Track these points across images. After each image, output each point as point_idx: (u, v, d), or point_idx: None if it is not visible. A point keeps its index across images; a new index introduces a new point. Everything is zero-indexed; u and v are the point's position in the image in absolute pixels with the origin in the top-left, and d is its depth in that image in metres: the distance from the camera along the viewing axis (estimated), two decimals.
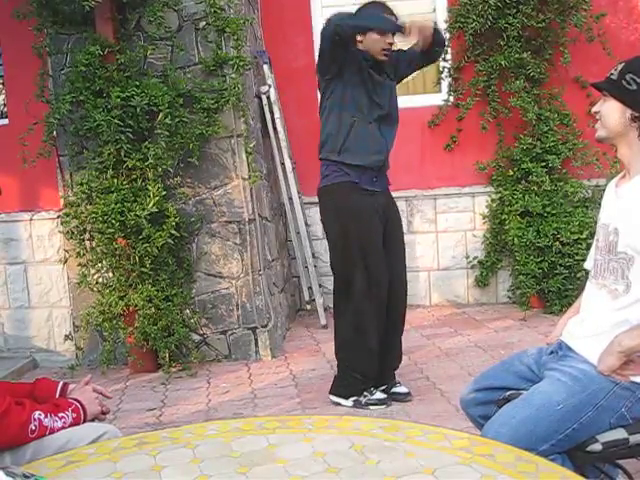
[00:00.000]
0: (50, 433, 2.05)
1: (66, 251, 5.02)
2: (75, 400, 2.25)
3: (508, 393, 2.32)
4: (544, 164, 5.53)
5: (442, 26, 5.83)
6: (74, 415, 2.17)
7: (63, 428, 2.10)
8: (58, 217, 5.05)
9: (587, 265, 2.42)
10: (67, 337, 5.15)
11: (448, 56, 5.80)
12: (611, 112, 2.15)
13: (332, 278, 6.07)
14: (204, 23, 4.87)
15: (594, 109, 2.22)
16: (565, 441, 2.05)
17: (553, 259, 5.35)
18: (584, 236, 5.24)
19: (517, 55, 5.47)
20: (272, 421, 1.82)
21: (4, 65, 5.65)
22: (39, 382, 2.42)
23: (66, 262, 5.05)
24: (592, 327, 2.19)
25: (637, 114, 2.10)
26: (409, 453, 1.56)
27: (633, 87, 2.10)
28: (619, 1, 5.81)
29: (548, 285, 5.39)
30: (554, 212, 5.43)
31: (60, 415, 2.12)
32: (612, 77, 2.16)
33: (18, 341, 5.50)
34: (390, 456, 1.55)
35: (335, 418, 1.81)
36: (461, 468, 1.47)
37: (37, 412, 2.04)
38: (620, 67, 2.16)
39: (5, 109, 5.73)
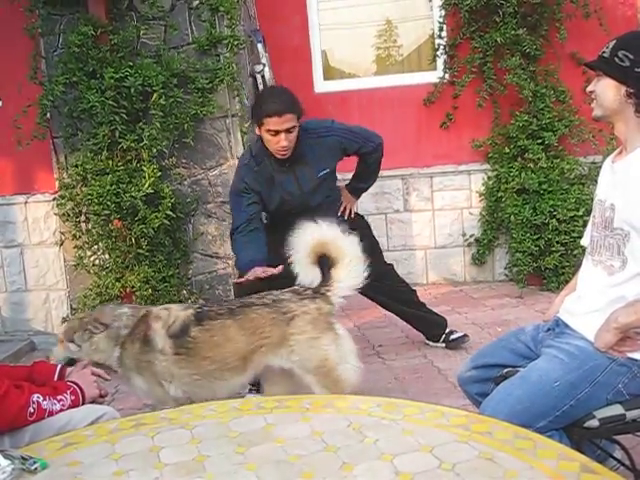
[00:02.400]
0: (49, 416, 2.07)
1: (62, 233, 5.01)
2: (73, 383, 2.26)
3: (505, 370, 2.33)
4: (540, 141, 5.51)
5: (437, 3, 5.80)
6: (72, 398, 2.18)
7: (62, 411, 2.11)
8: (54, 199, 5.03)
9: (583, 242, 2.42)
10: (64, 319, 5.15)
11: (443, 33, 5.75)
12: (606, 90, 2.13)
13: None
14: (197, 2, 4.83)
15: (589, 88, 2.21)
16: (562, 417, 2.06)
17: (550, 236, 5.35)
18: (580, 213, 5.23)
19: (513, 32, 5.42)
20: (270, 401, 1.82)
21: None
22: (37, 365, 2.43)
23: (62, 244, 5.04)
24: (588, 304, 2.19)
25: (632, 90, 2.08)
26: (407, 431, 1.56)
27: (626, 63, 2.08)
28: None
29: (545, 262, 5.39)
30: (550, 189, 5.42)
31: (59, 398, 2.13)
32: (604, 55, 2.14)
33: (16, 324, 5.50)
34: (388, 434, 1.55)
35: (333, 397, 1.82)
36: (459, 446, 1.48)
37: (36, 395, 2.05)
38: (612, 44, 2.14)
39: None
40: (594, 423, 2.07)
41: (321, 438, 1.56)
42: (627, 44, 2.11)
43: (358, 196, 4.23)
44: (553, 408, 2.05)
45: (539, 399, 2.05)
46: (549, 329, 2.32)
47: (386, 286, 4.18)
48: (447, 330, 4.37)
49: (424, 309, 4.38)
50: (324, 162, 3.67)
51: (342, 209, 4.03)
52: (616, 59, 2.09)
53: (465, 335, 4.36)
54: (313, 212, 3.35)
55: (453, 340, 4.33)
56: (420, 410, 1.68)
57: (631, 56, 2.07)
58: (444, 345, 4.35)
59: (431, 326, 4.39)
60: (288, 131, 3.39)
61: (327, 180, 3.77)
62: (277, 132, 3.40)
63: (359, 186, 4.18)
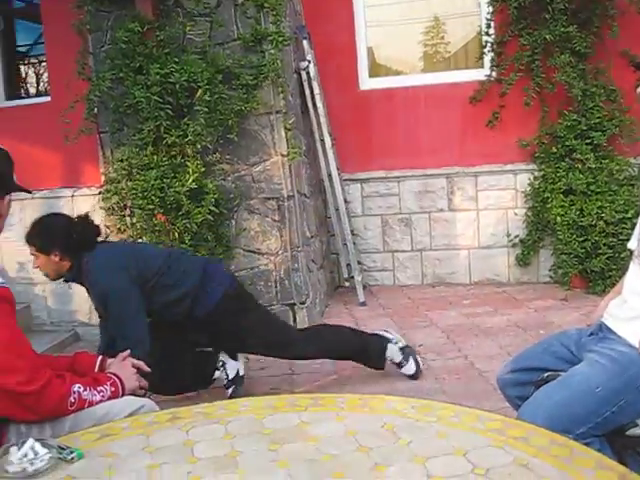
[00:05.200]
0: (89, 406, 2.09)
1: (107, 227, 5.07)
2: (114, 375, 2.28)
3: (546, 374, 2.29)
4: (589, 141, 5.40)
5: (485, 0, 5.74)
6: (112, 389, 2.20)
7: (101, 402, 2.13)
8: (99, 193, 5.10)
9: (631, 245, 2.37)
10: None
11: (491, 30, 5.69)
12: None
13: (371, 255, 6.13)
14: None
15: None
16: (603, 424, 2.02)
17: (596, 238, 5.25)
18: (629, 215, 5.12)
19: (563, 29, 5.32)
20: (305, 399, 1.81)
21: (46, 43, 5.71)
22: (78, 356, 2.46)
23: (107, 238, 5.11)
24: (634, 309, 2.14)
25: None
26: (441, 434, 1.54)
27: None
28: None
29: (591, 265, 5.29)
30: (598, 190, 5.32)
31: (99, 389, 2.15)
32: None
33: (61, 315, 5.59)
34: (422, 436, 1.53)
35: (368, 397, 1.80)
36: (493, 450, 1.45)
37: (77, 385, 2.07)
38: None
39: (47, 87, 5.79)
40: (637, 431, 2.03)
41: (354, 438, 1.55)
42: None
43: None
44: (594, 414, 2.01)
45: (579, 405, 2.00)
46: (592, 333, 2.28)
47: None
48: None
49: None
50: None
51: None
52: None
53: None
54: None
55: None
56: (455, 413, 1.65)
57: None
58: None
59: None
60: (36, 257, 3.39)
61: None
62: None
63: None
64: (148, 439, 1.65)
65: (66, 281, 3.56)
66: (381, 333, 3.97)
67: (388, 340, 3.91)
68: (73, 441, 1.67)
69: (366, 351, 3.88)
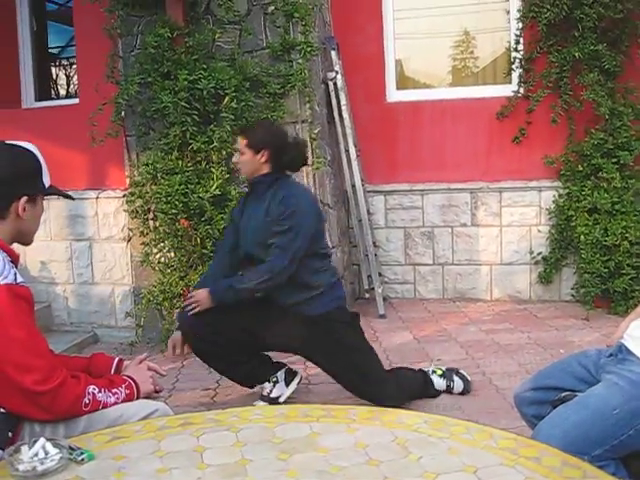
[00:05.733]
0: (103, 407, 2.09)
1: (130, 230, 5.11)
2: (129, 377, 2.28)
3: (564, 394, 2.27)
4: (615, 160, 5.35)
5: (515, 15, 5.72)
6: (127, 392, 2.20)
7: (116, 404, 2.13)
8: (124, 196, 5.14)
9: None
10: (128, 314, 5.25)
11: (520, 46, 5.67)
12: None
13: (392, 268, 6.11)
14: (273, 8, 4.87)
15: None
16: (620, 447, 1.99)
17: (620, 258, 5.20)
18: None
19: (592, 47, 5.29)
20: (317, 409, 1.81)
21: (76, 46, 5.78)
22: (95, 357, 2.47)
23: (130, 240, 5.15)
24: None
25: None
26: (452, 450, 1.53)
27: None
28: None
29: (614, 285, 5.24)
30: (623, 210, 5.27)
31: (114, 391, 2.15)
32: None
33: (81, 316, 5.64)
34: (432, 452, 1.52)
35: (381, 410, 1.79)
36: (504, 469, 1.44)
37: (92, 386, 2.08)
38: None
39: (76, 88, 5.86)
40: None
41: (365, 451, 1.54)
42: None
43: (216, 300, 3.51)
44: (610, 436, 1.98)
45: (596, 426, 1.98)
46: (611, 354, 2.25)
47: None
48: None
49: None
50: (272, 210, 3.52)
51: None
52: None
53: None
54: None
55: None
56: (467, 429, 1.64)
57: None
58: None
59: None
60: (240, 152, 3.56)
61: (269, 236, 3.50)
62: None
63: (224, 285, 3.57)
64: (159, 443, 1.65)
65: (250, 185, 3.68)
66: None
67: (426, 373, 3.93)
68: (85, 442, 1.67)
69: (427, 382, 3.88)
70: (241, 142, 3.55)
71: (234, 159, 3.65)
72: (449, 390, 3.90)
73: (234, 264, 3.75)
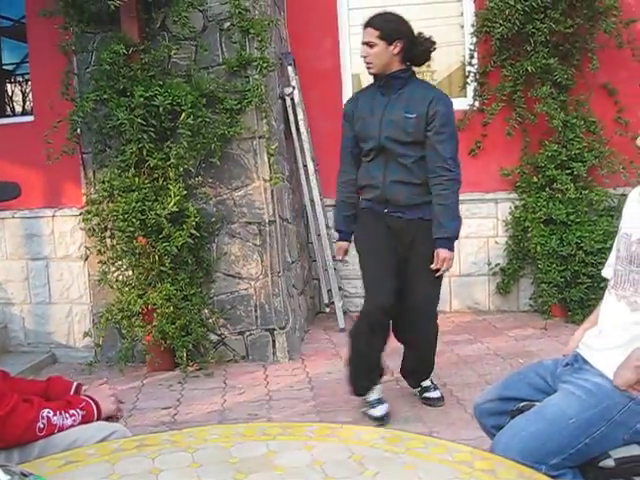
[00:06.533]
0: (59, 431, 2.05)
1: (87, 248, 5.05)
2: (88, 397, 2.24)
3: (522, 404, 2.28)
4: (569, 171, 5.46)
5: (469, 30, 5.80)
6: (84, 413, 2.16)
7: (73, 426, 2.09)
8: (80, 214, 5.07)
9: (605, 273, 2.38)
10: (86, 334, 5.18)
11: (474, 60, 5.75)
12: None
13: (352, 282, 6.11)
14: (229, 24, 4.87)
15: None
16: (576, 456, 2.01)
17: (576, 268, 5.28)
18: (608, 245, 5.14)
19: (544, 61, 5.40)
20: (274, 427, 1.80)
21: (30, 63, 5.71)
22: (52, 380, 2.41)
23: (87, 259, 5.08)
24: (609, 340, 2.14)
25: None
26: (408, 465, 1.53)
27: None
28: None
29: (570, 294, 5.32)
30: (578, 220, 5.36)
31: (71, 412, 2.11)
32: None
33: (38, 336, 5.54)
34: (389, 468, 1.52)
35: (337, 426, 1.79)
36: None
37: (46, 410, 2.04)
38: None
39: (31, 106, 5.78)
40: (609, 463, 2.01)
41: (321, 468, 1.53)
42: None
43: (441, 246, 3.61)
44: (567, 446, 2.00)
45: (553, 436, 2.00)
46: (568, 364, 2.27)
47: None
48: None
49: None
50: (414, 107, 3.52)
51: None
52: None
53: (439, 399, 3.99)
54: (388, 170, 3.53)
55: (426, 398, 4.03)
56: (424, 444, 1.64)
57: None
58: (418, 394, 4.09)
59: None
60: (368, 44, 3.46)
61: (409, 132, 3.51)
62: (362, 43, 3.54)
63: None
64: (113, 466, 1.62)
65: (383, 80, 3.57)
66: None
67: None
68: (38, 467, 1.64)
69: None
70: (372, 33, 3.43)
71: (362, 52, 3.49)
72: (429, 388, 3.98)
73: (356, 162, 3.75)
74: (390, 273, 3.60)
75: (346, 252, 3.89)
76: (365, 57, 3.51)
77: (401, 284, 3.63)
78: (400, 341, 3.94)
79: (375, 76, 3.64)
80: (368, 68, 3.57)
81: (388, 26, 3.44)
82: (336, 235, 3.96)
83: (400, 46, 3.44)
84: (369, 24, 3.48)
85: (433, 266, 3.55)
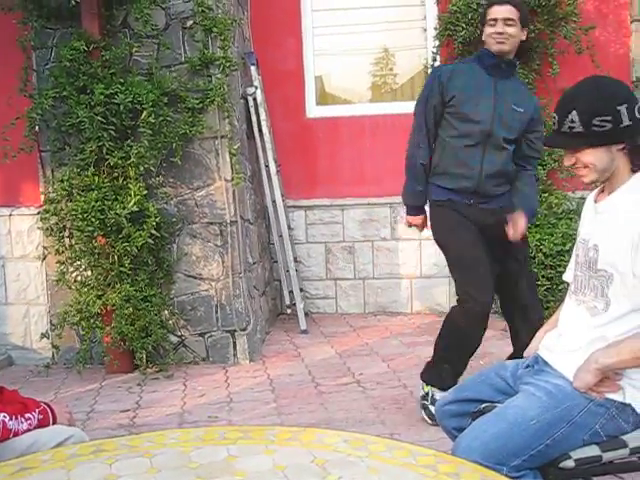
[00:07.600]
0: (14, 436, 2.01)
1: (45, 248, 4.96)
2: (44, 403, 2.21)
3: (483, 406, 2.29)
4: None
5: (431, 33, 5.82)
6: (40, 417, 2.12)
7: (28, 430, 2.06)
8: (38, 213, 4.98)
9: (566, 277, 2.39)
10: (43, 335, 5.07)
11: (437, 64, 5.77)
12: (601, 157, 2.06)
13: (314, 283, 6.11)
14: (191, 22, 4.82)
15: (570, 162, 2.12)
16: (537, 457, 2.02)
17: (535, 270, 5.32)
18: (567, 248, 5.22)
19: None
20: (234, 431, 1.76)
21: None
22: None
23: (45, 259, 4.99)
24: (569, 343, 2.15)
25: (624, 144, 2.04)
26: (372, 469, 1.51)
27: (608, 127, 2.03)
28: (608, 14, 5.81)
29: None
30: (537, 223, 5.42)
31: (27, 416, 2.08)
32: (578, 129, 2.05)
33: None
34: (352, 472, 1.50)
35: (299, 430, 1.76)
36: None
37: (1, 414, 2.00)
38: (576, 116, 2.05)
39: None
40: (570, 464, 2.03)
41: (283, 473, 1.51)
42: (593, 108, 2.04)
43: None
44: (528, 447, 2.01)
45: (514, 437, 2.00)
46: (528, 366, 2.28)
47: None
48: None
49: None
50: (522, 102, 3.51)
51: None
52: (595, 128, 2.03)
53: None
54: (486, 161, 3.47)
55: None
56: (387, 448, 1.63)
57: (608, 117, 2.02)
58: None
59: None
60: (506, 22, 3.35)
61: (516, 127, 3.50)
62: (496, 20, 3.38)
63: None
64: (68, 473, 1.58)
65: (497, 61, 3.44)
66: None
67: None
68: None
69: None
70: (513, 12, 3.34)
71: (498, 28, 3.35)
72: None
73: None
74: (487, 268, 3.58)
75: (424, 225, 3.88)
76: (501, 33, 3.36)
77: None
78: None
79: (483, 57, 3.50)
80: (500, 43, 3.39)
81: (524, 10, 3.44)
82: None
83: (526, 34, 3.47)
84: (508, 2, 3.37)
85: (509, 232, 3.49)
